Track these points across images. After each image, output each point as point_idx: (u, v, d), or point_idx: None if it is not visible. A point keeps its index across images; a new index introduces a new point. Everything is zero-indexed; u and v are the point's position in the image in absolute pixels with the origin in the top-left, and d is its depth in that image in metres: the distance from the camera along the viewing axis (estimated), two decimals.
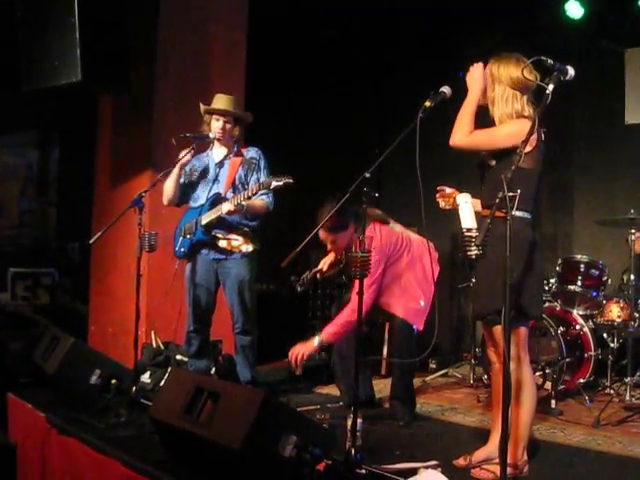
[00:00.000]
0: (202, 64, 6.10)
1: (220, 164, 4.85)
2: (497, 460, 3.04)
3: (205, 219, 4.70)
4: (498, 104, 3.50)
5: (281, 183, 4.37)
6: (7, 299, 7.50)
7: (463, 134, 3.48)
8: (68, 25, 5.00)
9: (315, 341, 4.40)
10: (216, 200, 4.71)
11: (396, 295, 4.57)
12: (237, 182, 4.78)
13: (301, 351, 4.37)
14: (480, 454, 3.58)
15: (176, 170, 4.78)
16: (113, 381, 4.30)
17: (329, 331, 4.44)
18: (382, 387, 5.08)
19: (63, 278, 7.88)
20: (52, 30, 5.13)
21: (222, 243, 4.71)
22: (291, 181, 4.37)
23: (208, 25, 6.15)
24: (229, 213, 4.55)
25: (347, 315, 4.33)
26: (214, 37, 6.19)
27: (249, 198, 4.58)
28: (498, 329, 3.35)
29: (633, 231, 5.07)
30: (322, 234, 4.52)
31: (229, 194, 4.71)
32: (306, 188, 5.46)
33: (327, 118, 7.59)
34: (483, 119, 3.58)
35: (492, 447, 3.49)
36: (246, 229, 4.78)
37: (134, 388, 4.32)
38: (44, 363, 4.48)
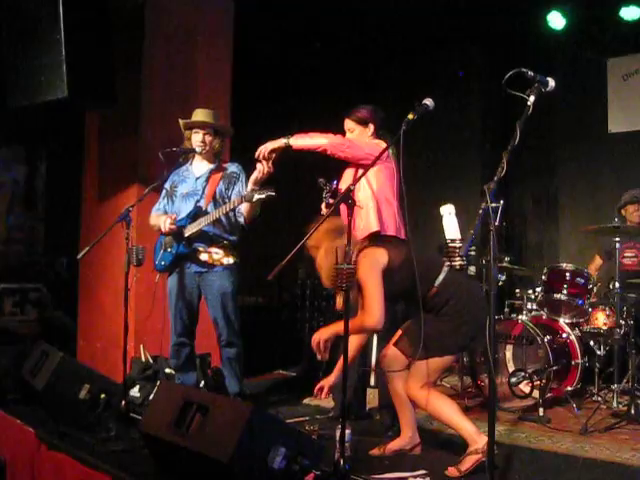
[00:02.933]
0: (188, 78, 6.12)
1: (200, 178, 4.87)
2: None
3: (187, 232, 4.73)
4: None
5: (263, 196, 4.39)
6: None
7: (373, 321, 3.61)
8: (54, 41, 5.01)
9: (283, 139, 4.43)
10: (197, 214, 4.74)
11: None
12: (217, 196, 4.81)
13: (267, 145, 4.41)
14: (393, 445, 3.96)
15: (161, 228, 4.80)
16: (102, 396, 4.30)
17: (300, 135, 4.46)
18: (371, 397, 5.10)
19: (48, 292, 7.86)
20: (38, 46, 5.14)
21: (203, 256, 4.74)
22: (273, 193, 4.38)
23: (194, 39, 6.17)
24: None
25: (322, 135, 4.42)
26: (200, 51, 6.21)
27: (231, 211, 4.65)
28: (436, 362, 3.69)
29: (617, 239, 5.11)
30: (346, 122, 4.66)
31: (210, 208, 4.74)
32: (294, 200, 5.50)
33: (315, 129, 7.63)
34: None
35: (404, 440, 3.98)
36: (226, 242, 4.81)
37: (123, 402, 4.31)
38: (33, 378, 4.48)
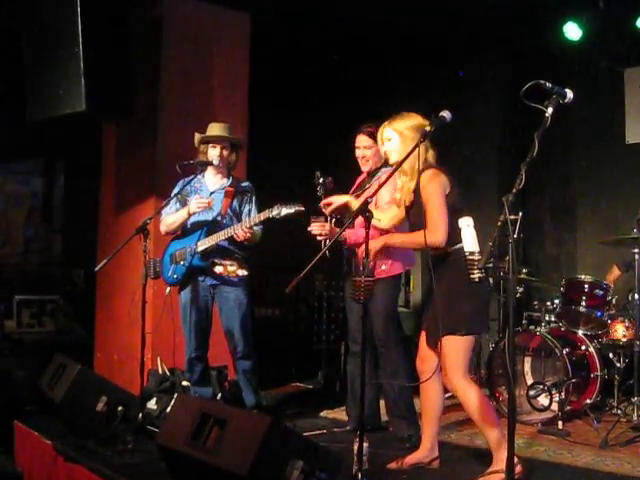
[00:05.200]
0: (205, 91, 6.15)
1: (216, 193, 4.87)
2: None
3: (202, 246, 4.72)
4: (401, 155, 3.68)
5: (292, 211, 4.37)
6: (13, 326, 7.51)
7: (438, 239, 3.58)
8: (72, 55, 5.05)
9: None
10: (212, 228, 4.74)
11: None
12: (231, 212, 4.83)
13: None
14: (411, 459, 3.90)
15: (184, 214, 4.76)
16: (119, 408, 4.30)
17: None
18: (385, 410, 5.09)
19: (64, 302, 7.89)
20: (57, 60, 5.18)
21: (218, 269, 4.74)
22: (302, 209, 4.37)
23: (211, 52, 6.22)
24: (245, 237, 4.59)
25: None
26: (217, 64, 6.25)
27: (257, 225, 4.61)
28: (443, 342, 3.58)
29: (637, 250, 5.07)
30: (360, 139, 4.75)
31: (225, 222, 4.74)
32: (311, 212, 5.50)
33: (331, 141, 7.65)
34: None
35: (423, 453, 3.93)
36: (237, 255, 4.81)
37: (140, 415, 4.32)
38: (50, 391, 4.49)
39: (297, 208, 4.38)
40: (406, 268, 4.87)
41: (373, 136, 4.61)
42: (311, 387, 6.74)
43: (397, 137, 3.78)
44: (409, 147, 3.63)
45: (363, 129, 4.76)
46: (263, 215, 4.53)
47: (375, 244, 3.71)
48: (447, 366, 3.67)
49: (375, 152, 4.66)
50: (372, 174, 4.75)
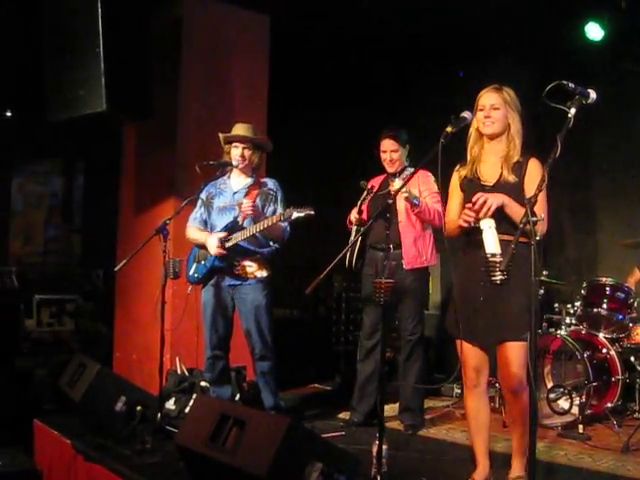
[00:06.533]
0: (225, 92, 6.17)
1: (238, 193, 4.87)
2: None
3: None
4: (518, 134, 3.64)
5: (302, 215, 4.35)
6: (32, 326, 7.57)
7: (545, 229, 3.39)
8: (93, 55, 5.07)
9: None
10: (232, 228, 4.73)
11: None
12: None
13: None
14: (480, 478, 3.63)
15: (204, 239, 4.79)
16: (138, 408, 4.30)
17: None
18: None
19: (84, 302, 7.94)
20: (77, 60, 5.20)
21: (237, 269, 4.73)
22: (312, 213, 4.35)
23: (230, 54, 6.23)
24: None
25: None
26: (236, 65, 6.26)
27: (269, 228, 4.57)
28: (517, 347, 3.39)
29: None
30: (390, 143, 4.97)
31: (246, 223, 4.71)
32: (330, 214, 5.50)
33: (351, 144, 7.62)
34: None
35: (486, 469, 3.64)
36: (259, 256, 4.79)
37: (159, 415, 4.33)
38: (70, 390, 4.51)
39: (307, 212, 4.35)
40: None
41: (396, 139, 4.96)
42: (330, 388, 6.74)
43: (505, 108, 3.62)
44: (510, 121, 3.61)
45: (388, 133, 4.98)
46: (275, 218, 4.50)
47: (496, 199, 3.38)
48: (513, 373, 3.45)
49: (400, 154, 4.97)
50: (400, 174, 4.95)
